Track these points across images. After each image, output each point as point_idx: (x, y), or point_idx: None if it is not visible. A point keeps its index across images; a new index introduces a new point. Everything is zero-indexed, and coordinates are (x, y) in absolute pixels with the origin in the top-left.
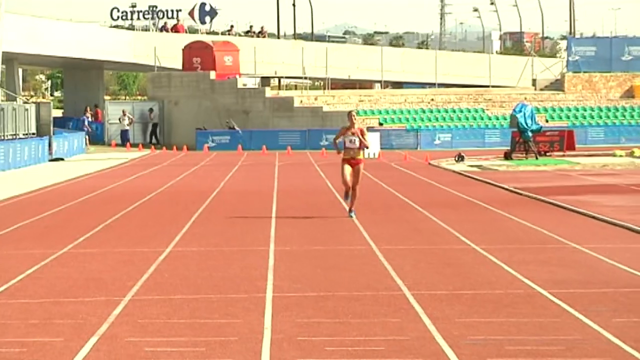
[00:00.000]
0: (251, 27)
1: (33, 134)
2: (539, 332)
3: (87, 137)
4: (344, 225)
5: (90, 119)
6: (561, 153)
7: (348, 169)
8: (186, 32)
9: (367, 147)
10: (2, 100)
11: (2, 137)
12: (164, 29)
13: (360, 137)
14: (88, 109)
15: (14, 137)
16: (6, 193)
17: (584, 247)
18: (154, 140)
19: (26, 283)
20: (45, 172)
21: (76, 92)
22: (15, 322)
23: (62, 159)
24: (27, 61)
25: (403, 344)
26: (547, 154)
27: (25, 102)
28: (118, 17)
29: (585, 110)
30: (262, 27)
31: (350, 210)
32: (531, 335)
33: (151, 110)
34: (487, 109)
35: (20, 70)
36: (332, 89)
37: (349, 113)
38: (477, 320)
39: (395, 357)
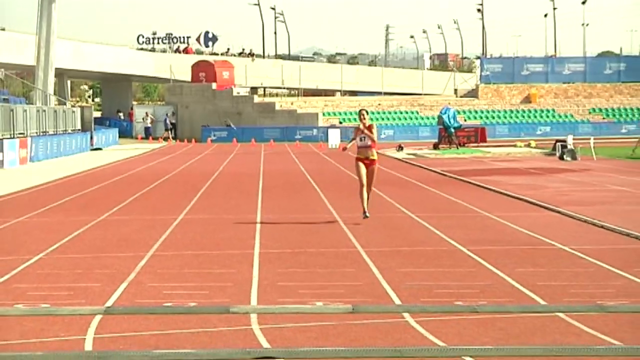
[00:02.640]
0: (243, 49)
1: (78, 130)
2: (459, 279)
3: (173, 130)
4: (313, 199)
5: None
6: (476, 144)
7: (363, 168)
8: (194, 53)
9: (374, 141)
10: (55, 105)
11: (55, 132)
12: (177, 51)
13: (369, 133)
14: (119, 111)
15: (64, 132)
16: (58, 174)
17: (493, 215)
18: (172, 134)
19: (73, 242)
20: (87, 159)
21: (111, 98)
22: (65, 272)
23: (100, 149)
24: (73, 75)
25: (357, 288)
26: (466, 145)
27: (72, 106)
28: (143, 41)
29: (494, 112)
30: (251, 50)
31: (364, 212)
32: (453, 281)
33: (174, 113)
34: (420, 111)
35: (68, 82)
36: (304, 96)
37: (360, 112)
38: (413, 270)
39: (351, 297)
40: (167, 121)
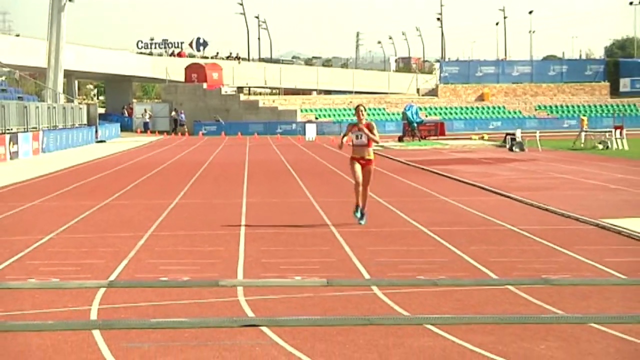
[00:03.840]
0: (230, 53)
1: (85, 124)
2: (422, 256)
3: (184, 126)
4: (291, 184)
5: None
6: (436, 137)
7: (358, 167)
8: (187, 57)
9: (376, 142)
10: (64, 102)
11: (64, 127)
12: (172, 54)
13: (368, 132)
14: (125, 107)
15: (72, 126)
16: (67, 164)
17: (451, 200)
18: (177, 129)
19: (80, 224)
20: (92, 150)
21: (113, 96)
22: (73, 250)
23: (104, 141)
24: (80, 76)
25: (331, 264)
26: (427, 138)
27: (79, 104)
28: (141, 46)
29: (451, 109)
30: (237, 54)
31: (362, 214)
32: (416, 258)
33: (176, 110)
34: (387, 108)
35: (76, 82)
36: (284, 94)
37: (357, 107)
38: (381, 248)
39: (325, 272)
40: (182, 116)
